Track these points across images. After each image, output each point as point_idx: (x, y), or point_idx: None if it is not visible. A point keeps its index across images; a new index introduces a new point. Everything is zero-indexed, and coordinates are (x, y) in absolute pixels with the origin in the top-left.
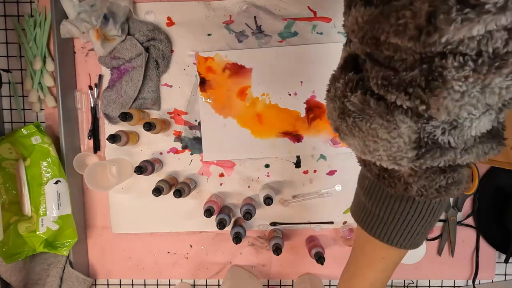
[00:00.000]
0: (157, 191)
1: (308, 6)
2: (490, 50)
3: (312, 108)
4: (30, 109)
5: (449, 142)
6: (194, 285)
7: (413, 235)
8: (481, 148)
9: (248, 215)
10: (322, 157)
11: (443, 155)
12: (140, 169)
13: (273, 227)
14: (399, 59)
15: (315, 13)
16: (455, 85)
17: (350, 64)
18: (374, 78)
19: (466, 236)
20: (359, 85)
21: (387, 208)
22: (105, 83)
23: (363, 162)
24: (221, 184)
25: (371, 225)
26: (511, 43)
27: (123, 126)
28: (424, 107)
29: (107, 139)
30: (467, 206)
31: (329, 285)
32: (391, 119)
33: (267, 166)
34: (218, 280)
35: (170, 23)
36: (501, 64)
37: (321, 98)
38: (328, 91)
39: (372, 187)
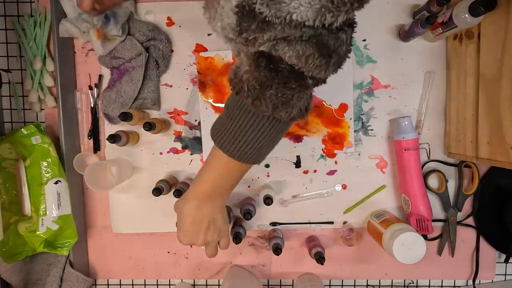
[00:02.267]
0: (157, 191)
1: None
2: None
3: (312, 107)
4: (30, 109)
5: (265, 15)
6: (194, 285)
7: (245, 147)
8: (303, 46)
9: (248, 215)
10: (322, 157)
11: (261, 30)
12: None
13: (273, 227)
14: None
15: None
16: None
17: None
18: None
19: (466, 236)
20: None
21: (233, 119)
22: (105, 83)
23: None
24: None
25: (219, 135)
26: None
27: (123, 126)
28: None
29: (107, 139)
30: (467, 206)
31: (329, 285)
32: None
33: (267, 166)
34: (218, 280)
35: (170, 23)
36: None
37: (321, 97)
38: None
39: (229, 99)
